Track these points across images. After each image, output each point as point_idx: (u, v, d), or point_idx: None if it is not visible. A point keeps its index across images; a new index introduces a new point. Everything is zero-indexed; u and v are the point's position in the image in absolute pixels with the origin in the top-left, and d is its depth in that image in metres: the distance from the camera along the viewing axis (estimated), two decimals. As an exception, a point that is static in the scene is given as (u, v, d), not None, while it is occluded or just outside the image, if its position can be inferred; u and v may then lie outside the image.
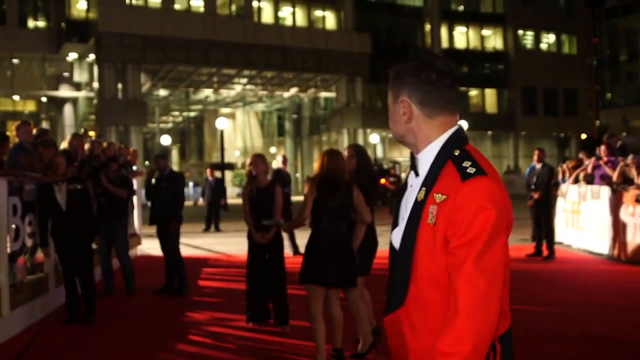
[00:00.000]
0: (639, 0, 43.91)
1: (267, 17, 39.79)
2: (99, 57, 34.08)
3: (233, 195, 43.84)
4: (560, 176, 12.43)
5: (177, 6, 36.67)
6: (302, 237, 8.94)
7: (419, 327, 1.73)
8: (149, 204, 8.98)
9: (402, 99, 1.78)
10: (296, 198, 15.58)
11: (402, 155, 45.93)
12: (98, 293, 7.26)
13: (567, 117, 49.26)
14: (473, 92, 47.92)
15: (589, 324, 6.24)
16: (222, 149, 29.44)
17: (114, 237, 8.32)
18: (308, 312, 4.88)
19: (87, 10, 36.39)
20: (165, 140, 40.20)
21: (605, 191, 10.44)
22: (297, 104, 47.82)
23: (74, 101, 39.53)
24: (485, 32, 47.95)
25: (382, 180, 22.28)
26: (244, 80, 40.88)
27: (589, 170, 11.20)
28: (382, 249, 7.08)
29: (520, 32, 48.15)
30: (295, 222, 5.45)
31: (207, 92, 42.83)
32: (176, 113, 51.75)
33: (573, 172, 11.83)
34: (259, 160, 6.31)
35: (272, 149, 48.68)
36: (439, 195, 1.68)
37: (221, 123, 29.56)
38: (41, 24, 37.52)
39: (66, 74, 38.72)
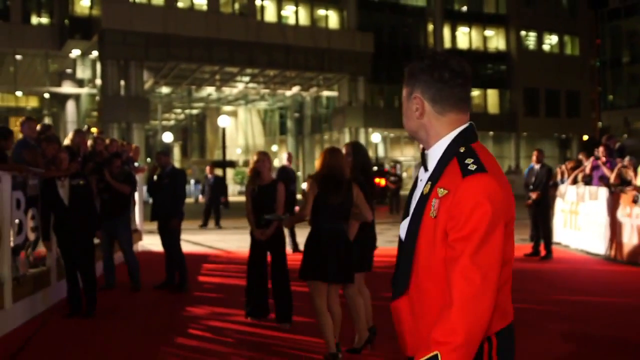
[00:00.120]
0: (642, 2, 43.89)
1: (270, 15, 39.86)
2: (102, 54, 34.17)
3: (234, 192, 43.98)
4: (558, 177, 12.51)
5: (180, 4, 36.74)
6: (302, 235, 9.02)
7: (419, 315, 1.82)
8: (151, 200, 9.06)
9: (415, 96, 1.87)
10: (298, 196, 15.63)
11: (403, 155, 45.99)
12: (99, 287, 7.35)
13: (569, 119, 49.26)
14: (475, 93, 47.89)
15: (585, 323, 6.31)
16: (224, 147, 29.51)
17: (117, 232, 8.41)
18: (312, 308, 4.93)
19: (91, 7, 36.50)
20: (167, 137, 40.28)
21: (603, 192, 10.51)
22: (299, 103, 47.87)
23: (77, 98, 39.64)
24: (488, 32, 47.96)
25: (377, 180, 22.30)
26: (247, 79, 40.94)
27: (587, 171, 11.28)
28: (381, 247, 7.15)
29: (523, 32, 48.15)
30: (295, 218, 5.52)
31: (209, 90, 42.89)
32: (178, 110, 51.81)
33: (572, 173, 11.91)
34: (264, 157, 6.37)
35: (274, 147, 48.75)
36: (442, 189, 1.75)
37: (223, 121, 29.63)
38: (44, 20, 37.62)
39: (69, 71, 38.84)
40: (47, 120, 36.70)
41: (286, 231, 7.99)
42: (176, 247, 8.34)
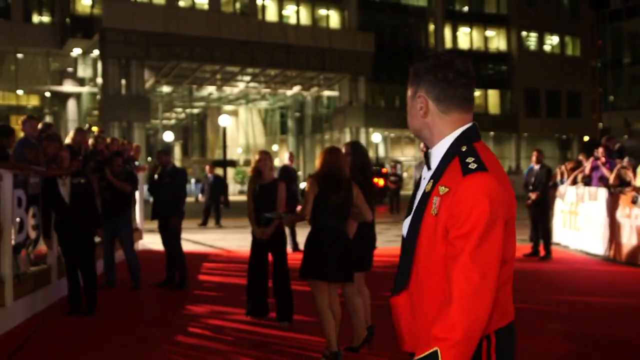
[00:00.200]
0: (643, 3, 43.90)
1: (271, 15, 39.90)
2: (103, 52, 34.21)
3: (235, 192, 44.01)
4: (558, 177, 12.53)
5: (181, 3, 36.80)
6: (302, 235, 9.05)
7: (418, 311, 1.86)
8: (151, 199, 9.08)
9: (420, 95, 1.90)
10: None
11: (404, 155, 46.02)
12: (100, 285, 7.37)
13: (570, 119, 49.29)
14: (476, 93, 47.23)
15: (584, 323, 6.33)
16: (225, 146, 29.55)
17: (118, 231, 8.44)
18: (313, 307, 4.96)
19: (92, 6, 36.53)
20: (168, 136, 40.32)
21: (602, 193, 10.54)
22: (300, 102, 47.93)
23: (78, 96, 39.68)
24: (489, 33, 48.00)
25: (376, 180, 22.32)
26: (248, 78, 40.99)
27: (587, 171, 11.30)
28: (381, 247, 7.17)
29: (524, 33, 48.19)
30: (296, 217, 5.53)
31: (210, 89, 42.95)
32: (179, 109, 51.87)
33: (571, 174, 11.93)
34: (266, 156, 6.39)
35: (275, 147, 48.80)
36: (443, 187, 1.78)
37: (224, 120, 29.67)
38: (46, 19, 37.67)
39: (70, 70, 38.89)
40: (48, 119, 36.78)
41: (286, 230, 7.98)
42: (176, 246, 8.37)
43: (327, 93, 45.15)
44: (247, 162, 47.37)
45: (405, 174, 41.32)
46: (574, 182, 11.76)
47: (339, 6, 41.83)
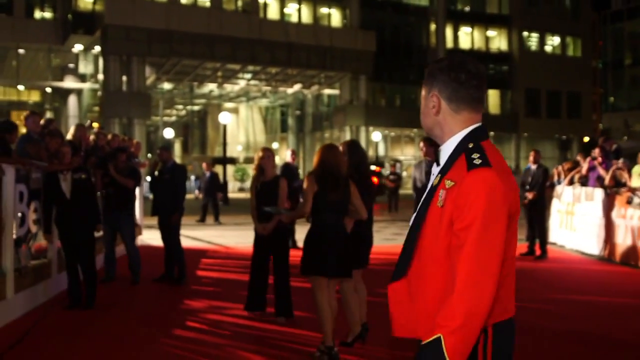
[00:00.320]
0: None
1: (272, 13, 39.94)
2: (105, 49, 34.26)
3: (234, 189, 44.08)
4: (555, 178, 12.61)
5: (183, 0, 36.83)
6: (301, 232, 9.14)
7: (417, 297, 1.95)
8: (151, 195, 9.16)
9: (433, 94, 2.01)
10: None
11: (403, 154, 46.07)
12: (99, 280, 7.46)
13: (570, 120, 49.34)
14: (477, 93, 47.85)
15: (578, 322, 6.40)
16: (225, 144, 29.63)
17: (121, 226, 8.52)
18: (313, 302, 5.03)
19: (94, 3, 36.56)
20: (169, 133, 40.38)
21: (599, 193, 10.61)
22: (301, 100, 47.98)
23: (79, 92, 39.74)
24: (490, 33, 48.02)
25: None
26: (248, 76, 41.04)
27: (584, 171, 11.38)
28: (378, 245, 7.24)
29: (525, 33, 48.22)
30: (295, 214, 5.56)
31: (211, 87, 43.02)
32: (180, 106, 51.92)
33: (568, 174, 12.01)
34: (269, 153, 6.44)
35: (275, 145, 48.85)
36: (449, 181, 1.88)
37: (224, 117, 29.75)
38: (47, 15, 37.72)
39: (71, 65, 38.92)
40: (48, 115, 36.79)
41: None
42: (175, 242, 8.45)
43: (327, 91, 45.19)
44: (247, 160, 47.46)
45: (404, 173, 41.40)
46: (571, 183, 11.84)
47: (341, 5, 41.87)
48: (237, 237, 13.89)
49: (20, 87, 39.33)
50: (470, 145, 1.92)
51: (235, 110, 50.30)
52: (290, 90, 44.51)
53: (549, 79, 47.47)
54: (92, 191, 7.12)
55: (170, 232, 8.46)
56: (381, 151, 44.10)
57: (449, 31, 46.20)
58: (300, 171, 44.39)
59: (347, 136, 40.70)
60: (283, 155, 38.86)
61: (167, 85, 42.48)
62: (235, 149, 49.61)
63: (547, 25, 48.34)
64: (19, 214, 6.63)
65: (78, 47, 37.51)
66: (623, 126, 44.66)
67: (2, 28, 34.49)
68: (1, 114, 35.84)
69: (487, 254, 1.79)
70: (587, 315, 6.73)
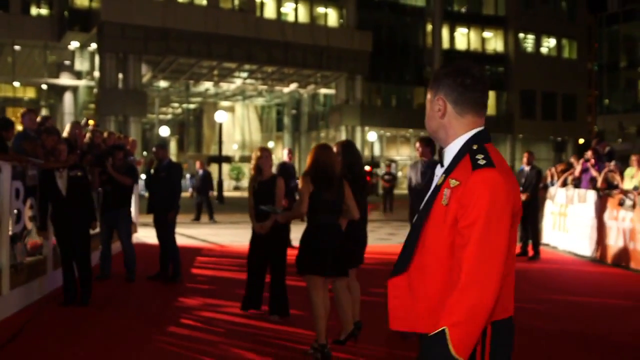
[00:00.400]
0: (640, 7, 44.12)
1: (269, 12, 39.96)
2: (101, 46, 34.23)
3: (230, 188, 44.08)
4: (548, 179, 12.69)
5: (180, -2, 36.84)
6: (295, 232, 9.18)
7: (417, 292, 2.00)
8: (146, 193, 9.19)
9: (439, 97, 2.07)
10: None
11: (399, 154, 46.17)
12: (94, 277, 7.49)
13: (565, 122, 49.51)
14: (472, 94, 47.89)
15: (570, 322, 6.46)
16: (220, 142, 29.63)
17: (118, 224, 8.55)
18: (308, 301, 5.07)
19: (90, 0, 36.54)
20: (164, 131, 40.38)
21: (591, 195, 10.70)
22: (297, 100, 48.01)
23: (74, 90, 39.68)
24: (486, 34, 48.13)
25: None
26: (245, 74, 41.05)
27: (577, 173, 11.46)
28: (373, 244, 7.27)
29: (521, 35, 48.35)
30: (291, 214, 5.58)
31: (207, 85, 43.01)
32: (176, 105, 51.91)
33: (561, 176, 12.09)
34: (267, 153, 6.47)
35: (270, 144, 48.87)
36: (453, 180, 1.94)
37: (220, 116, 29.76)
38: (44, 11, 37.65)
39: (67, 63, 38.87)
40: (44, 112, 36.76)
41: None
42: (171, 240, 8.49)
43: (323, 91, 45.24)
44: (242, 159, 47.50)
45: (400, 173, 41.50)
46: (564, 184, 11.92)
47: (338, 4, 41.91)
48: (232, 235, 13.93)
49: (16, 84, 39.25)
50: (475, 147, 1.98)
51: (231, 109, 50.31)
52: (286, 90, 44.54)
53: (544, 81, 47.62)
54: (87, 189, 7.15)
55: (165, 230, 8.50)
56: (377, 151, 44.16)
57: (445, 32, 46.29)
58: (297, 170, 44.50)
59: (343, 136, 40.74)
60: (278, 155, 38.90)
61: (163, 83, 42.45)
62: (230, 148, 49.63)
63: (543, 27, 48.48)
64: (15, 211, 6.66)
65: (74, 44, 37.47)
66: (618, 128, 44.85)
67: (-2, 24, 34.45)
68: (-3, 110, 35.80)
69: (490, 251, 1.84)
70: (579, 316, 6.79)
